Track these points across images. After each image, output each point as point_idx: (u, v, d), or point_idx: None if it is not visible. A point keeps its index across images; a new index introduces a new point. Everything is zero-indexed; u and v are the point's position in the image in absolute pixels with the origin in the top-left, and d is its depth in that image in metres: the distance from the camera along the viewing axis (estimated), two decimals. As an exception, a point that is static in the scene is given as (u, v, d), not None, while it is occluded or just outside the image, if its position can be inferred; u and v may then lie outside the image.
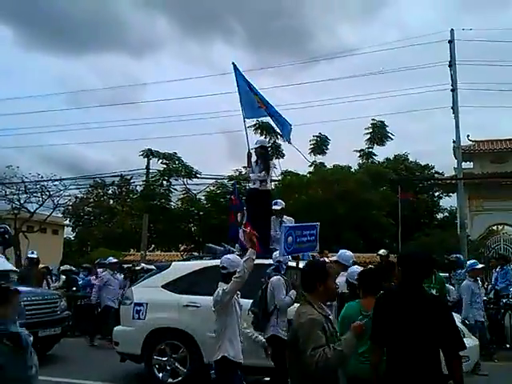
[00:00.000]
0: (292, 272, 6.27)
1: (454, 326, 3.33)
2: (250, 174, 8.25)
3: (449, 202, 29.68)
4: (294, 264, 6.25)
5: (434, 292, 7.30)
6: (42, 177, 26.28)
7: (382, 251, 11.60)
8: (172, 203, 25.29)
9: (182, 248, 27.16)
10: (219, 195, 24.05)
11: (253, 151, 8.50)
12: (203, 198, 24.97)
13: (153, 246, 26.89)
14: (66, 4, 78.02)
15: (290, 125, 8.97)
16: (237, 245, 7.82)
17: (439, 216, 30.35)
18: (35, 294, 9.10)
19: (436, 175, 28.97)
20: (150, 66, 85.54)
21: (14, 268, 6.20)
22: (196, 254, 23.31)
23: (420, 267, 3.37)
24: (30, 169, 42.30)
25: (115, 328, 7.66)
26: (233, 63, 8.75)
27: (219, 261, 6.96)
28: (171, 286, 7.38)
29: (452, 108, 21.17)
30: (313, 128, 38.20)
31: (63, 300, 9.71)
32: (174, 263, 8.12)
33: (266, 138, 24.42)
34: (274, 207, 8.08)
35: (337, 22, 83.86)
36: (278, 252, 6.11)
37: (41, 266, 12.98)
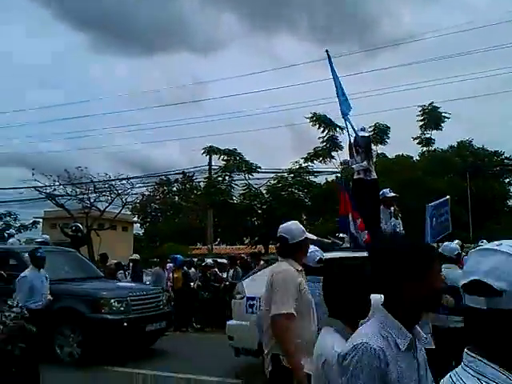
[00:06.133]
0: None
1: None
2: (353, 165, 8.03)
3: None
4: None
5: None
6: (109, 176, 27.30)
7: (456, 241, 11.46)
8: (234, 198, 25.58)
9: (246, 241, 27.51)
10: (280, 188, 24.14)
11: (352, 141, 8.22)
12: (264, 191, 25.12)
13: (218, 239, 27.35)
14: (131, 8, 79.89)
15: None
16: (346, 236, 7.71)
17: (510, 203, 29.39)
18: (140, 290, 9.30)
19: (506, 161, 28.02)
20: (214, 64, 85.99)
21: None
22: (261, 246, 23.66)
23: None
24: (99, 169, 43.85)
25: (228, 322, 7.67)
26: (326, 51, 8.21)
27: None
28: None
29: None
30: (375, 117, 37.42)
31: (164, 295, 9.99)
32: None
33: (322, 129, 23.95)
34: (387, 195, 7.93)
35: (399, 8, 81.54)
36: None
37: (113, 261, 13.30)
